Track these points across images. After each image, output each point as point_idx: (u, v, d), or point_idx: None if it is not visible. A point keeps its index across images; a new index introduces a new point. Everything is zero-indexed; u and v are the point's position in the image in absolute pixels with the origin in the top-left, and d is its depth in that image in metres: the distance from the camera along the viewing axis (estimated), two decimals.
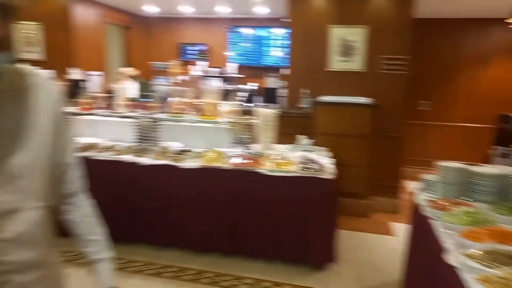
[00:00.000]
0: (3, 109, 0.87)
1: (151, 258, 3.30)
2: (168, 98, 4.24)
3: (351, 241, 3.77)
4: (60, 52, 5.96)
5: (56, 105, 0.98)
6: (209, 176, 3.22)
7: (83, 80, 5.59)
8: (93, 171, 3.40)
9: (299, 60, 4.94)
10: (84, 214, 1.15)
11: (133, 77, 5.51)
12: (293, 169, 3.13)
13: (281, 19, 6.31)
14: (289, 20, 4.98)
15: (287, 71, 5.19)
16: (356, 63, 4.75)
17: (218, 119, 3.64)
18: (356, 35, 4.70)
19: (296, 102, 4.97)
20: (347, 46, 4.79)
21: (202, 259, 3.29)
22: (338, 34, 4.78)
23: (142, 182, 3.38)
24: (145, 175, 3.37)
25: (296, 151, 3.65)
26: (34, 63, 5.47)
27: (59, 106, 0.99)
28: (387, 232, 4.08)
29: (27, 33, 6.01)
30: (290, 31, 5.01)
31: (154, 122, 3.78)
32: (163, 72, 4.44)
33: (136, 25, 7.70)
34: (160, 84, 4.43)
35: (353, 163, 4.26)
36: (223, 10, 6.89)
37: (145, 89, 5.20)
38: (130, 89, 4.95)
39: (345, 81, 4.78)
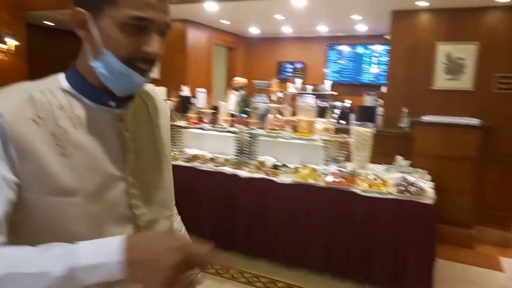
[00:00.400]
0: (141, 124, 0.91)
1: (245, 267, 3.49)
2: (266, 115, 4.49)
3: (451, 272, 3.50)
4: (174, 72, 6.69)
5: (168, 120, 1.03)
6: (302, 192, 3.32)
7: (192, 97, 6.20)
8: (197, 180, 3.79)
9: (399, 78, 4.80)
10: (175, 226, 1.16)
11: (241, 88, 5.93)
12: (389, 191, 3.06)
13: (384, 36, 6.21)
14: (389, 37, 4.89)
15: (385, 89, 5.08)
16: (464, 82, 4.45)
17: (313, 136, 3.74)
18: (465, 51, 4.41)
19: (394, 121, 4.81)
20: (454, 64, 4.52)
21: (292, 272, 3.37)
22: (445, 50, 4.54)
23: (239, 193, 3.62)
24: (243, 187, 3.60)
25: (392, 172, 3.55)
26: (151, 81, 6.26)
27: (169, 121, 1.04)
28: (495, 266, 3.68)
29: None
30: (389, 48, 4.90)
31: (252, 137, 4.02)
32: (264, 90, 4.70)
33: (239, 45, 8.26)
34: (260, 102, 4.69)
35: (456, 188, 3.97)
36: (323, 29, 7.02)
37: (246, 105, 5.55)
38: (234, 101, 5.33)
39: (451, 100, 4.49)
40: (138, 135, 0.88)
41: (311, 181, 3.33)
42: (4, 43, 5.68)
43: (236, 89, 6.08)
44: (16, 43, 5.83)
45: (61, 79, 0.83)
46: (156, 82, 6.71)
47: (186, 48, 6.54)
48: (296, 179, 3.38)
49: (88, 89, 0.82)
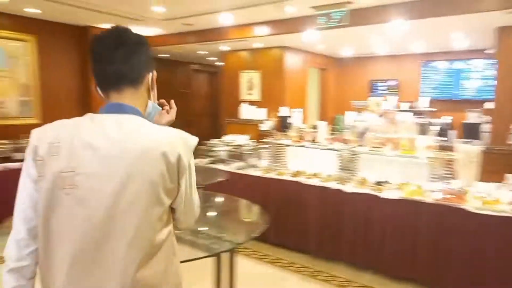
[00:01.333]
0: None
1: (351, 276, 3.68)
2: (366, 133, 4.68)
3: None
4: (273, 94, 7.22)
5: None
6: (409, 207, 3.44)
7: (289, 116, 6.63)
8: (302, 193, 4.10)
9: (508, 94, 4.64)
10: None
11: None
12: (504, 209, 3.05)
13: (485, 51, 6.01)
14: (494, 52, 4.78)
15: (490, 105, 4.93)
16: None
17: (416, 154, 3.84)
18: None
19: (502, 138, 4.65)
20: None
21: (398, 285, 3.48)
22: None
23: (344, 207, 3.84)
24: (347, 201, 3.82)
25: (503, 190, 3.49)
26: (252, 102, 6.84)
27: None
28: None
29: (250, 79, 7.54)
30: (495, 63, 4.78)
31: (354, 154, 4.24)
32: (361, 109, 4.92)
33: (330, 66, 8.57)
34: (359, 120, 4.92)
35: None
36: (418, 47, 7.01)
37: (340, 124, 5.80)
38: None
39: None
40: None
41: (417, 197, 3.44)
42: None
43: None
44: None
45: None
46: (256, 104, 7.32)
47: (284, 72, 7.04)
48: (402, 195, 3.52)
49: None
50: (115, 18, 5.61)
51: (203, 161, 4.94)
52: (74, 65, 6.33)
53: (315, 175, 4.30)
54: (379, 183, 3.85)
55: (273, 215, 4.20)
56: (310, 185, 4.10)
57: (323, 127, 4.99)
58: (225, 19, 5.51)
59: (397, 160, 4.04)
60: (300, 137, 4.94)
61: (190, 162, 1.11)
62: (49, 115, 5.95)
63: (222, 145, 5.14)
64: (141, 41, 1.15)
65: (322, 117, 7.68)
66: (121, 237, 0.99)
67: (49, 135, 1.03)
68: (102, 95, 1.13)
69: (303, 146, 4.66)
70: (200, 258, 1.84)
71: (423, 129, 4.54)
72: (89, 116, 1.08)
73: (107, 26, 6.27)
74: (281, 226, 4.20)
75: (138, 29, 4.76)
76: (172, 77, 9.68)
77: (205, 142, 5.16)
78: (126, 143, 1.01)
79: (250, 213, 2.87)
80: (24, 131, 4.58)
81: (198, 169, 3.43)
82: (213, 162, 4.88)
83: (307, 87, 7.80)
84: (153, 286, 1.05)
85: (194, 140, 1.14)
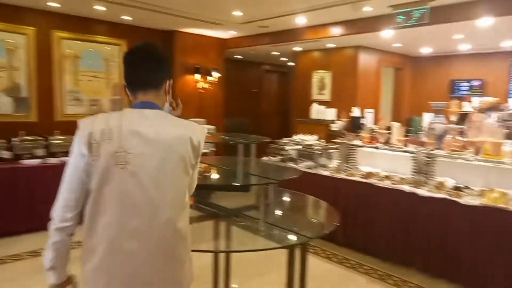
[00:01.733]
0: None
1: (425, 283, 3.56)
2: (445, 135, 4.46)
3: None
4: (344, 94, 7.15)
5: None
6: (491, 215, 3.25)
7: (361, 117, 6.52)
8: (373, 196, 4.05)
9: None
10: None
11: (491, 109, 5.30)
12: None
13: None
14: None
15: None
16: None
17: (503, 159, 3.60)
18: None
19: None
20: None
21: None
22: None
23: (418, 211, 3.73)
24: (422, 205, 3.70)
25: None
26: (322, 102, 6.85)
27: None
28: None
29: (321, 79, 7.56)
30: None
31: (430, 157, 4.08)
32: (441, 110, 4.69)
33: (406, 65, 8.22)
34: (437, 122, 4.69)
35: None
36: (507, 44, 6.45)
37: (417, 126, 5.56)
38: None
39: None
40: None
41: (501, 205, 3.24)
42: (211, 76, 7.14)
43: (483, 111, 5.45)
44: (219, 75, 7.25)
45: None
46: (326, 104, 7.31)
47: (357, 71, 6.93)
48: (484, 202, 3.33)
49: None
50: (197, 23, 6.01)
51: (273, 159, 5.08)
52: None
53: (387, 177, 4.23)
54: (458, 189, 3.68)
55: (342, 215, 4.24)
56: (382, 187, 4.05)
57: (397, 128, 4.87)
58: (300, 20, 5.61)
59: (479, 165, 3.82)
60: (372, 138, 4.87)
61: (202, 145, 1.46)
62: None
63: (292, 144, 5.24)
64: (163, 57, 1.50)
65: (396, 118, 7.41)
66: (163, 199, 1.35)
67: (100, 124, 1.34)
68: (129, 93, 1.46)
69: (376, 147, 4.59)
70: (273, 248, 1.97)
71: (510, 133, 4.20)
72: (129, 109, 1.43)
73: (190, 30, 6.77)
74: (350, 226, 4.20)
75: (216, 33, 5.11)
76: (244, 77, 10.02)
77: (275, 140, 5.30)
78: (163, 130, 1.37)
79: (321, 211, 2.94)
80: None
81: (271, 166, 3.57)
82: (282, 161, 5.00)
83: (381, 87, 7.58)
84: (186, 234, 1.44)
85: (205, 130, 1.53)
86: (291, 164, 4.85)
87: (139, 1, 4.87)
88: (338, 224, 2.32)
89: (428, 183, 3.94)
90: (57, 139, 5.05)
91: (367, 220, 4.12)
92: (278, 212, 2.64)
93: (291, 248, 2.05)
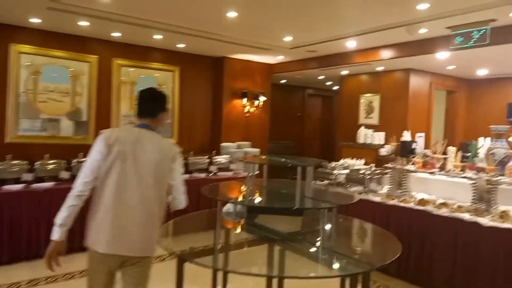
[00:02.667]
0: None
1: None
2: (507, 161, 4.19)
3: None
4: (394, 118, 6.97)
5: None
6: None
7: (412, 141, 6.31)
8: (430, 224, 3.83)
9: None
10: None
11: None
12: None
13: None
14: None
15: None
16: None
17: None
18: None
19: None
20: None
21: None
22: None
23: (481, 242, 3.47)
24: (485, 236, 3.44)
25: None
26: (369, 126, 6.68)
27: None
28: None
29: (369, 102, 7.44)
30: None
31: (492, 184, 3.83)
32: (501, 135, 4.43)
33: (460, 88, 7.91)
34: (499, 147, 4.43)
35: None
36: None
37: (474, 151, 5.27)
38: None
39: None
40: None
41: None
42: (258, 99, 7.27)
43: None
44: (264, 98, 7.37)
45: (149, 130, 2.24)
46: (374, 128, 7.15)
47: (407, 95, 6.76)
48: None
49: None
50: (247, 49, 6.18)
51: (320, 183, 4.99)
52: (209, 92, 7.12)
53: (444, 204, 4.01)
54: None
55: None
56: (439, 215, 3.83)
57: (453, 153, 4.64)
58: (349, 44, 5.59)
59: None
60: (426, 163, 4.67)
61: (178, 160, 2.25)
62: (185, 135, 6.77)
63: (340, 168, 5.14)
64: (162, 96, 2.28)
65: (449, 143, 7.08)
66: (151, 185, 2.11)
67: (115, 133, 2.12)
68: (136, 117, 2.23)
69: (432, 173, 4.39)
70: (337, 276, 1.92)
71: None
72: (132, 126, 2.23)
73: (239, 56, 7.00)
74: (403, 257, 3.97)
75: (263, 58, 5.18)
76: (288, 101, 10.10)
77: (323, 164, 5.22)
78: (156, 143, 2.17)
79: (380, 238, 2.84)
80: None
81: (322, 191, 3.47)
82: (330, 185, 4.89)
83: (433, 111, 7.32)
84: (160, 216, 2.18)
85: (177, 148, 2.29)
86: (340, 189, 4.75)
87: (194, 29, 5.12)
88: (400, 253, 2.21)
89: (490, 211, 3.70)
90: None
91: (423, 250, 3.90)
92: (338, 239, 2.57)
93: (354, 277, 1.98)
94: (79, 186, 2.02)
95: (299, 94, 10.39)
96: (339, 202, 2.52)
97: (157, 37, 5.48)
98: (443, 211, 3.85)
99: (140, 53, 6.18)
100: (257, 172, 6.26)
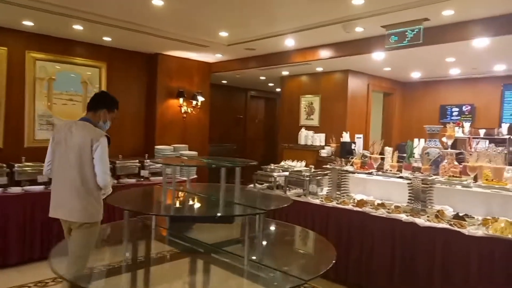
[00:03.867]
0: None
1: None
2: (440, 161, 4.22)
3: None
4: (333, 119, 6.95)
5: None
6: (499, 247, 2.95)
7: (351, 142, 6.30)
8: (368, 225, 3.73)
9: None
10: None
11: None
12: None
13: None
14: None
15: None
16: None
17: (508, 185, 3.34)
18: None
19: None
20: None
21: None
22: None
23: (417, 242, 3.41)
24: (421, 236, 3.39)
25: None
26: (310, 127, 6.57)
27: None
28: None
29: (309, 104, 7.37)
30: None
31: (427, 184, 3.81)
32: (434, 135, 4.46)
33: (396, 91, 8.13)
34: (432, 147, 4.46)
35: None
36: (499, 68, 6.39)
37: (410, 151, 5.33)
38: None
39: None
40: None
41: (509, 235, 2.94)
42: (196, 100, 6.88)
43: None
44: (203, 99, 7.00)
45: (89, 123, 2.91)
46: (315, 129, 7.08)
47: (346, 96, 6.76)
48: (490, 233, 3.03)
49: (100, 126, 2.99)
50: (182, 45, 5.79)
51: (259, 186, 4.77)
52: (141, 91, 6.62)
53: (382, 205, 3.94)
54: (459, 218, 3.39)
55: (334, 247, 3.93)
56: (376, 216, 3.74)
57: (390, 153, 4.62)
58: (288, 43, 5.44)
59: (480, 192, 3.58)
60: (364, 164, 4.61)
61: (98, 144, 2.74)
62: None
63: (279, 170, 4.94)
64: (106, 97, 3.04)
65: (386, 144, 7.23)
66: (73, 164, 2.73)
67: (58, 125, 3.71)
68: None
69: (370, 173, 4.31)
70: None
71: (510, 158, 4.00)
72: (73, 121, 2.91)
73: (175, 53, 6.54)
74: (343, 260, 3.85)
75: (201, 56, 4.82)
76: (229, 103, 9.86)
77: (262, 166, 5.00)
78: (83, 132, 2.77)
79: (313, 244, 2.61)
80: None
81: (257, 194, 3.21)
82: (270, 188, 4.69)
83: (370, 112, 7.42)
84: (87, 190, 2.76)
85: (104, 137, 2.82)
86: (279, 192, 4.53)
87: (118, 19, 4.64)
88: (335, 261, 1.98)
89: (426, 211, 3.67)
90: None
91: (362, 252, 3.79)
92: (266, 247, 2.29)
93: None
94: (45, 167, 2.89)
95: (241, 95, 10.18)
96: (269, 206, 2.24)
97: (77, 27, 4.91)
98: (381, 212, 3.76)
99: (59, 45, 5.53)
100: (194, 177, 6.00)
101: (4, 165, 4.51)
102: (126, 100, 6.38)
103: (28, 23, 4.79)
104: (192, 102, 6.88)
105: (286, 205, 2.12)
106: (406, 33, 4.07)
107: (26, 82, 5.27)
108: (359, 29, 4.61)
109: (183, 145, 6.55)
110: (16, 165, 4.56)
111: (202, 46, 5.84)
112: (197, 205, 2.34)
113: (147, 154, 5.82)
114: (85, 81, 5.82)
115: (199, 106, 6.99)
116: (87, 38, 5.60)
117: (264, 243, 2.27)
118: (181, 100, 6.71)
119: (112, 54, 6.09)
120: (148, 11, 4.27)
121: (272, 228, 2.60)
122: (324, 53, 5.57)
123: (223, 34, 5.19)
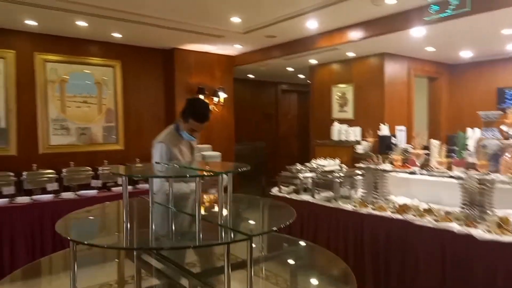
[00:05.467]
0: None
1: None
2: (500, 155, 3.46)
3: None
4: (369, 110, 6.25)
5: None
6: None
7: (391, 136, 5.57)
8: (411, 236, 3.09)
9: None
10: None
11: None
12: None
13: None
14: None
15: None
16: None
17: None
18: None
19: None
20: None
21: None
22: None
23: (475, 259, 2.74)
24: (480, 251, 2.71)
25: None
26: (344, 121, 5.85)
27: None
28: None
29: (343, 94, 6.70)
30: None
31: (485, 184, 3.08)
32: (491, 123, 3.69)
33: (442, 75, 7.25)
34: (489, 138, 3.69)
35: None
36: None
37: (462, 144, 4.55)
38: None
39: None
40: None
41: None
42: (218, 96, 6.45)
43: None
44: (225, 95, 6.55)
45: (173, 127, 2.96)
46: (349, 123, 6.40)
47: (383, 83, 6.04)
48: None
49: (181, 133, 2.93)
50: (196, 36, 5.42)
51: (285, 190, 4.24)
52: (159, 89, 6.29)
53: (428, 211, 3.25)
54: None
55: (371, 262, 3.33)
56: (421, 226, 3.07)
57: (437, 148, 3.91)
58: (310, 25, 4.85)
59: None
60: (406, 160, 3.92)
61: (152, 148, 2.88)
62: (133, 139, 5.92)
63: (306, 171, 4.37)
64: (186, 104, 2.92)
65: (433, 136, 6.41)
66: None
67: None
68: None
69: (411, 172, 3.63)
70: None
71: None
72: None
73: (192, 47, 6.04)
74: (382, 277, 3.24)
75: (220, 48, 4.33)
76: (259, 98, 9.42)
77: (288, 167, 4.46)
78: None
79: (336, 270, 2.03)
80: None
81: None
82: (295, 192, 4.16)
83: (413, 100, 6.61)
84: None
85: (158, 140, 2.87)
86: (305, 197, 3.98)
87: (122, 11, 4.30)
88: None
89: (485, 219, 2.94)
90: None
91: (404, 268, 3.17)
92: (286, 274, 1.74)
93: None
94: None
95: (271, 90, 9.71)
96: (260, 229, 1.68)
97: (81, 23, 4.62)
98: (427, 221, 3.09)
99: (68, 45, 5.33)
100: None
101: (12, 173, 4.31)
102: (144, 100, 6.12)
103: (31, 22, 4.59)
104: (213, 98, 6.46)
105: (285, 223, 1.55)
106: (449, 0, 3.32)
107: (37, 85, 5.11)
108: (391, 1, 3.91)
109: (206, 146, 6.16)
110: (24, 173, 4.35)
111: (217, 37, 5.43)
112: (178, 224, 1.83)
113: None
114: (99, 81, 5.57)
115: (222, 103, 6.55)
116: (95, 36, 5.36)
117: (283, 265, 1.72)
118: (201, 97, 6.30)
119: (125, 52, 5.83)
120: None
121: (289, 247, 2.04)
122: (353, 34, 4.91)
123: (235, 20, 4.72)
